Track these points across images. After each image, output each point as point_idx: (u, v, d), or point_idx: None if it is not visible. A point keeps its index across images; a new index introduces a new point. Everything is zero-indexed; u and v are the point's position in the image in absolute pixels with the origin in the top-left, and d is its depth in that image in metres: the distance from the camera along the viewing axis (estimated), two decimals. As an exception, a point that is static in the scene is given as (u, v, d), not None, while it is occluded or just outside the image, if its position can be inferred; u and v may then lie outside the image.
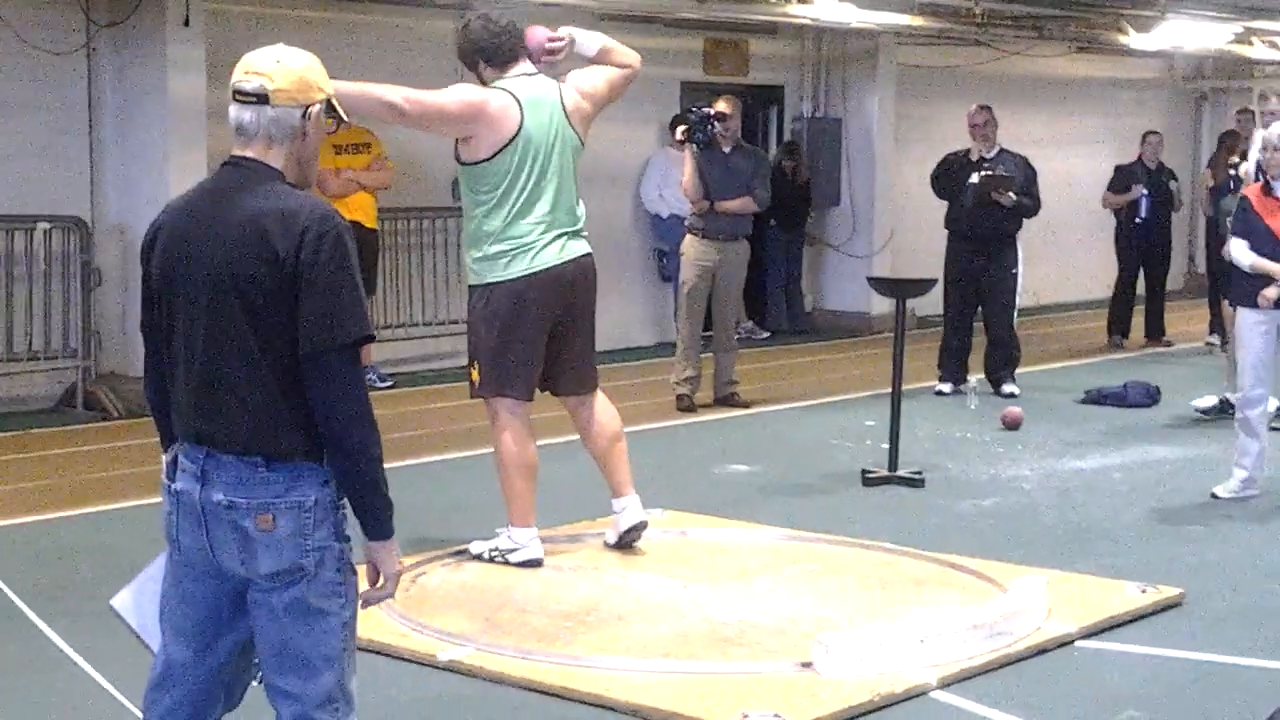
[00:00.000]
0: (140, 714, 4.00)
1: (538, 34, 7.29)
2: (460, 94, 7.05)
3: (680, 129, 11.54)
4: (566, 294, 7.19)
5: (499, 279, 7.12)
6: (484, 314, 7.19)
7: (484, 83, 7.18)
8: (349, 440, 3.69)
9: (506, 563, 7.22)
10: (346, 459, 3.71)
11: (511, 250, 7.09)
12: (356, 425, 3.69)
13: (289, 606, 3.73)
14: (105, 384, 11.44)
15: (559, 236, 7.15)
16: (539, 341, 7.19)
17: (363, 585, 3.88)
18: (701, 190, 11.46)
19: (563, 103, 7.19)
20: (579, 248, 7.24)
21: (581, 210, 7.29)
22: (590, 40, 7.40)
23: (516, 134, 7.00)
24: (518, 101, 7.05)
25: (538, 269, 7.09)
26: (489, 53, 7.17)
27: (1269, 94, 12.21)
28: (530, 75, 7.19)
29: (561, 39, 7.30)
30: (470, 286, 7.28)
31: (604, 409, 7.50)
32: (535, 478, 7.30)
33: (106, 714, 5.44)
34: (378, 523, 3.78)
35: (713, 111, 11.43)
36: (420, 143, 13.42)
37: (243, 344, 3.69)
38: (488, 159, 7.04)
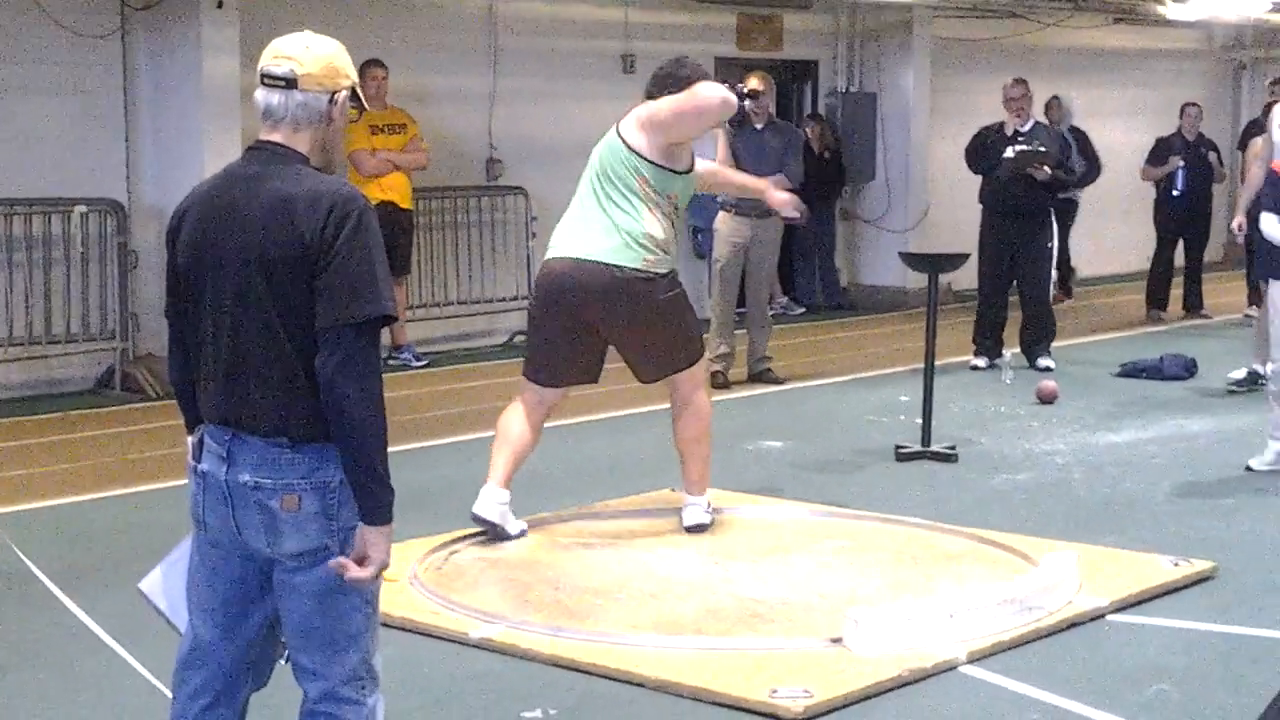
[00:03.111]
0: (170, 693, 4.04)
1: None
2: None
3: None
4: (569, 292, 7.23)
5: None
6: None
7: None
8: (350, 419, 3.63)
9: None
10: (347, 438, 3.66)
11: None
12: (360, 404, 3.63)
13: (314, 586, 3.76)
14: (143, 365, 11.51)
15: (578, 236, 7.26)
16: (554, 330, 7.31)
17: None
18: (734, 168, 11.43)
19: (620, 119, 7.37)
20: (586, 250, 7.20)
21: (628, 223, 7.20)
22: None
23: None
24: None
25: (545, 258, 7.40)
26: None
27: None
28: None
29: None
30: None
31: (687, 409, 7.46)
32: (512, 446, 7.32)
33: (137, 694, 5.49)
34: (372, 507, 3.70)
35: (745, 89, 11.37)
36: (455, 123, 13.49)
37: (268, 326, 3.70)
38: None
